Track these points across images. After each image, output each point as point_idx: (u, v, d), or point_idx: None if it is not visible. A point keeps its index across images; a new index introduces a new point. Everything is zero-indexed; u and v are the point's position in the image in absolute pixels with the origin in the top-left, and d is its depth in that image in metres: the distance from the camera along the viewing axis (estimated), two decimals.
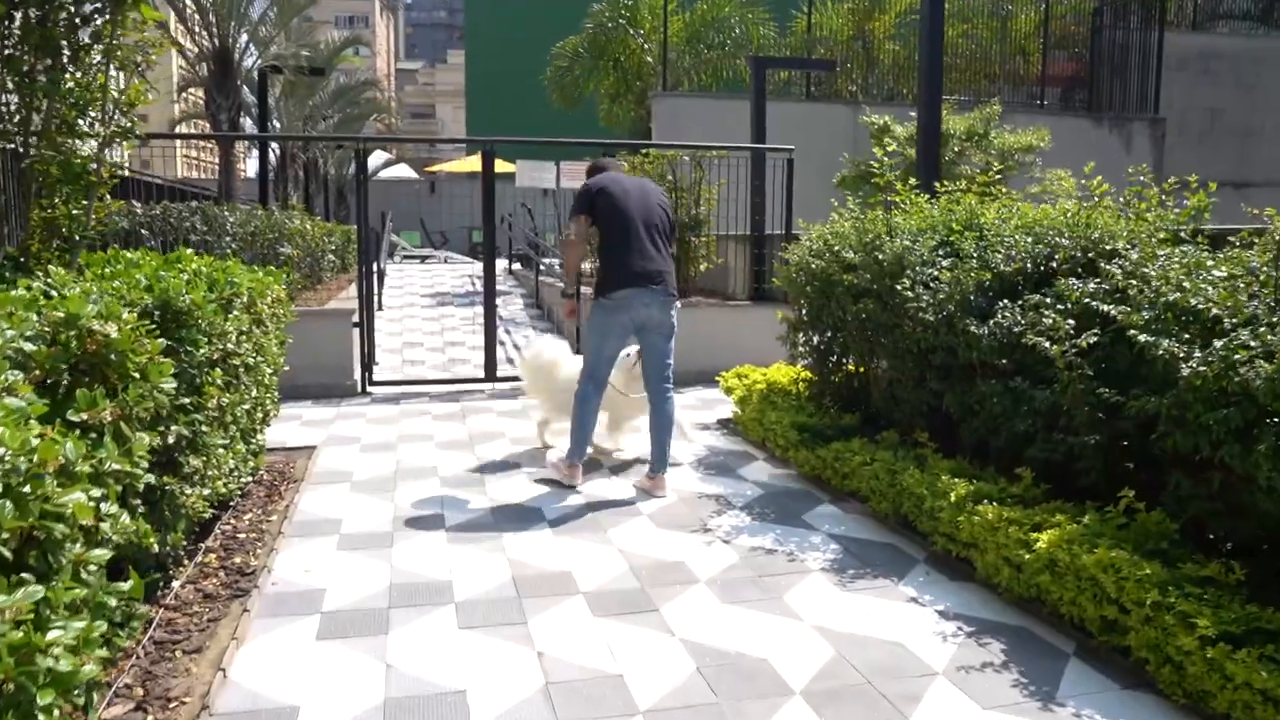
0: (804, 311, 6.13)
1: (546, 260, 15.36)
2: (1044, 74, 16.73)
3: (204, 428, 3.68)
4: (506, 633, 3.37)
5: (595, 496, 5.06)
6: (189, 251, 4.50)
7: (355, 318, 8.09)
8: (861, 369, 5.63)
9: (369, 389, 8.21)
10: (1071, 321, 3.72)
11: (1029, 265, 4.37)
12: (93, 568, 2.23)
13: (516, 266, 18.24)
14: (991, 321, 4.17)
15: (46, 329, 2.37)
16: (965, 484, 3.91)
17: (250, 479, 5.00)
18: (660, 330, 5.23)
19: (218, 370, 3.75)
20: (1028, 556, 3.35)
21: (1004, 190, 6.47)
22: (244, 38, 11.26)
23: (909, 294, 4.55)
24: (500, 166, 12.36)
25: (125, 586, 2.44)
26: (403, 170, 31.33)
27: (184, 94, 16.12)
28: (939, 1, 7.07)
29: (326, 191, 21.70)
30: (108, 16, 3.57)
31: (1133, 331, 3.41)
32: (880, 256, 4.81)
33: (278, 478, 5.42)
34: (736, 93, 16.87)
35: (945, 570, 3.94)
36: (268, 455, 5.82)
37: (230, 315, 3.83)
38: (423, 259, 22.50)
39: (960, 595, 3.68)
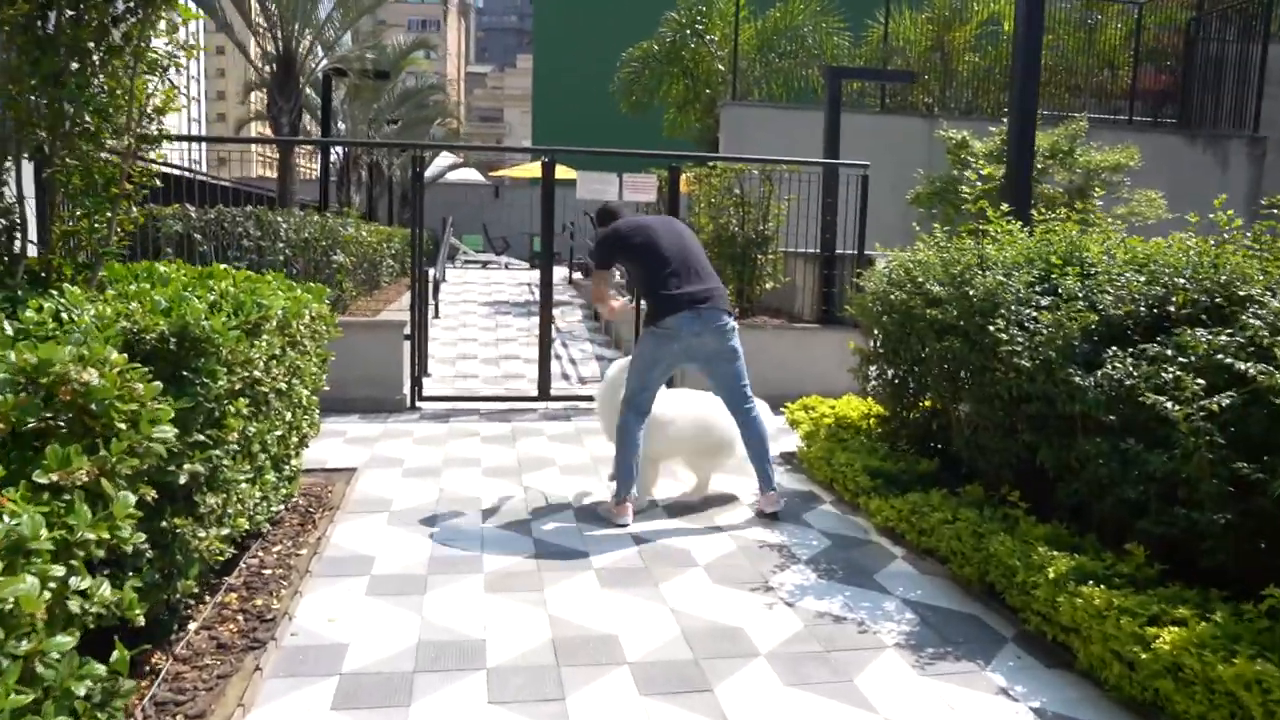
0: (879, 344, 5.69)
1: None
2: (1134, 87, 15.94)
3: (225, 462, 3.39)
4: (541, 711, 3.00)
5: (650, 540, 4.68)
6: (222, 267, 4.23)
7: (406, 330, 7.83)
8: (940, 409, 5.17)
9: (418, 404, 7.94)
10: (1201, 382, 3.23)
11: (1142, 309, 3.88)
12: (55, 655, 1.92)
13: (577, 276, 17.95)
14: (1099, 372, 3.70)
15: (19, 376, 2.07)
16: (1065, 558, 3.44)
17: (283, 507, 4.72)
18: (721, 356, 5.02)
19: (241, 400, 3.45)
20: (1144, 655, 2.88)
21: (1100, 216, 5.93)
22: (307, 40, 11.13)
23: (1002, 335, 4.09)
24: (562, 173, 12.09)
25: (101, 670, 2.12)
26: (468, 173, 31.35)
27: (250, 95, 16.11)
28: (1036, 6, 6.53)
29: (391, 194, 21.66)
30: (139, 16, 3.29)
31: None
32: (970, 292, 4.35)
33: (314, 503, 5.14)
34: (806, 103, 16.38)
35: (1039, 654, 3.48)
36: (306, 477, 5.57)
37: (257, 342, 3.53)
38: (484, 264, 22.37)
39: (1059, 689, 3.22)
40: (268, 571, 4.07)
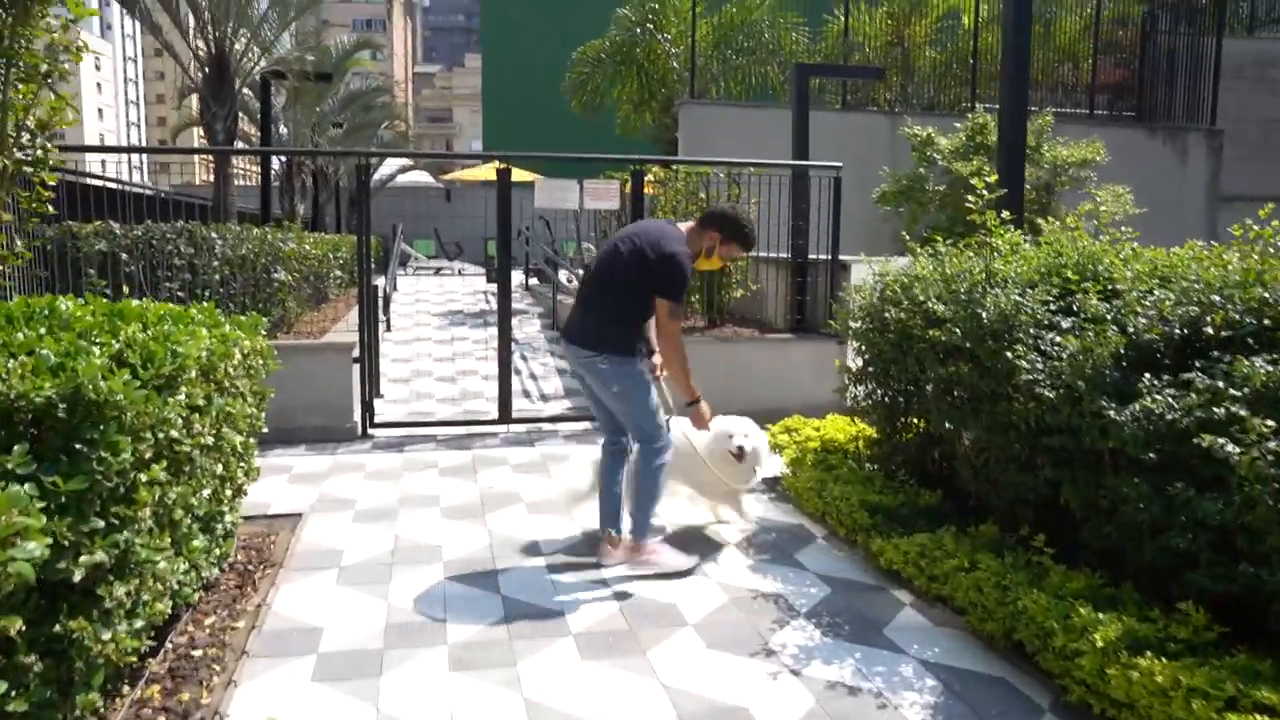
0: (869, 362, 5.28)
1: (565, 276, 14.53)
2: (1094, 82, 15.79)
3: (137, 542, 2.86)
4: None
5: (631, 595, 4.21)
6: (135, 304, 3.69)
7: (355, 352, 7.28)
8: (942, 436, 4.77)
9: (370, 431, 7.40)
10: (1271, 423, 2.84)
11: (1177, 331, 3.50)
12: None
13: (534, 282, 17.42)
14: (1137, 405, 3.30)
15: None
16: (1112, 621, 3.04)
17: (217, 570, 4.17)
18: (602, 393, 4.49)
19: (156, 467, 2.93)
20: None
21: (1075, 217, 5.56)
22: (242, 41, 10.47)
23: (1022, 363, 3.68)
24: (518, 175, 11.58)
25: None
26: (419, 176, 30.61)
27: (187, 99, 15.32)
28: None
29: (338, 200, 20.92)
30: (12, 13, 2.74)
31: None
32: (981, 313, 3.94)
33: (254, 559, 4.60)
34: (767, 101, 16.04)
35: None
36: (246, 525, 5.03)
37: (172, 398, 3.00)
38: (436, 270, 21.74)
39: None
40: (198, 653, 3.54)
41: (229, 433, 3.99)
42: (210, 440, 3.57)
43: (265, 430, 4.70)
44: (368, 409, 7.39)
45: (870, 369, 5.29)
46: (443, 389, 9.24)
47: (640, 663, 3.53)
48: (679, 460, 4.68)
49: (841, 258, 8.30)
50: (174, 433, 3.06)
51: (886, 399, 5.23)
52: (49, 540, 2.05)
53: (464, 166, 24.32)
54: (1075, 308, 3.96)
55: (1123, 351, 3.48)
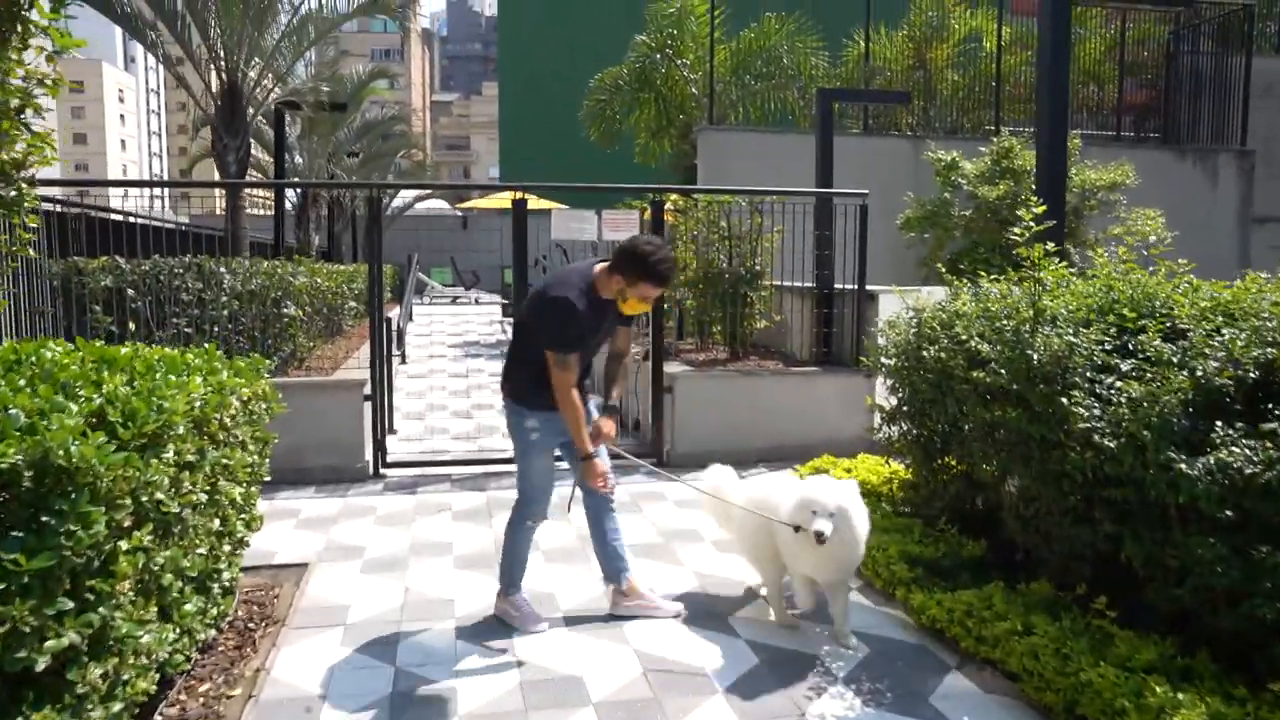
0: (904, 401, 5.00)
1: None
2: (1120, 103, 15.52)
3: (116, 616, 2.61)
4: None
5: (656, 655, 3.92)
6: (125, 350, 3.46)
7: (367, 389, 7.06)
8: (986, 482, 4.47)
9: (383, 471, 7.15)
10: None
11: (1252, 374, 3.21)
12: None
13: None
14: (1211, 458, 3.01)
15: None
16: (1195, 703, 2.73)
17: (214, 631, 3.92)
18: None
19: (139, 533, 2.68)
20: None
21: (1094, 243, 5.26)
22: (254, 71, 10.35)
23: (1079, 410, 3.40)
24: (535, 203, 11.39)
25: None
26: (436, 204, 30.59)
27: (203, 130, 15.25)
28: (1062, 9, 5.88)
29: (355, 230, 20.84)
30: None
31: None
32: (1032, 354, 3.65)
33: (255, 615, 4.35)
34: (786, 126, 15.83)
35: None
36: (248, 576, 4.80)
37: (157, 460, 2.76)
38: (453, 299, 21.60)
39: None
40: None
41: (227, 485, 3.75)
42: (203, 497, 3.33)
43: (269, 478, 4.46)
44: (380, 448, 7.16)
45: (905, 408, 5.01)
46: (458, 424, 9.00)
47: None
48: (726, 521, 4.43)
49: (869, 287, 8.02)
50: (160, 495, 2.81)
51: (923, 440, 4.94)
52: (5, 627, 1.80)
53: (481, 194, 24.24)
54: (1132, 347, 3.68)
55: (1190, 397, 3.19)
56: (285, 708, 3.46)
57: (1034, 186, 11.19)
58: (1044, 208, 4.16)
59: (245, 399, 4.07)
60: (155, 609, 2.95)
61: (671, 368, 7.86)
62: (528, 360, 4.06)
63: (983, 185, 11.63)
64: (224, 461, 3.66)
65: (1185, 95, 16.23)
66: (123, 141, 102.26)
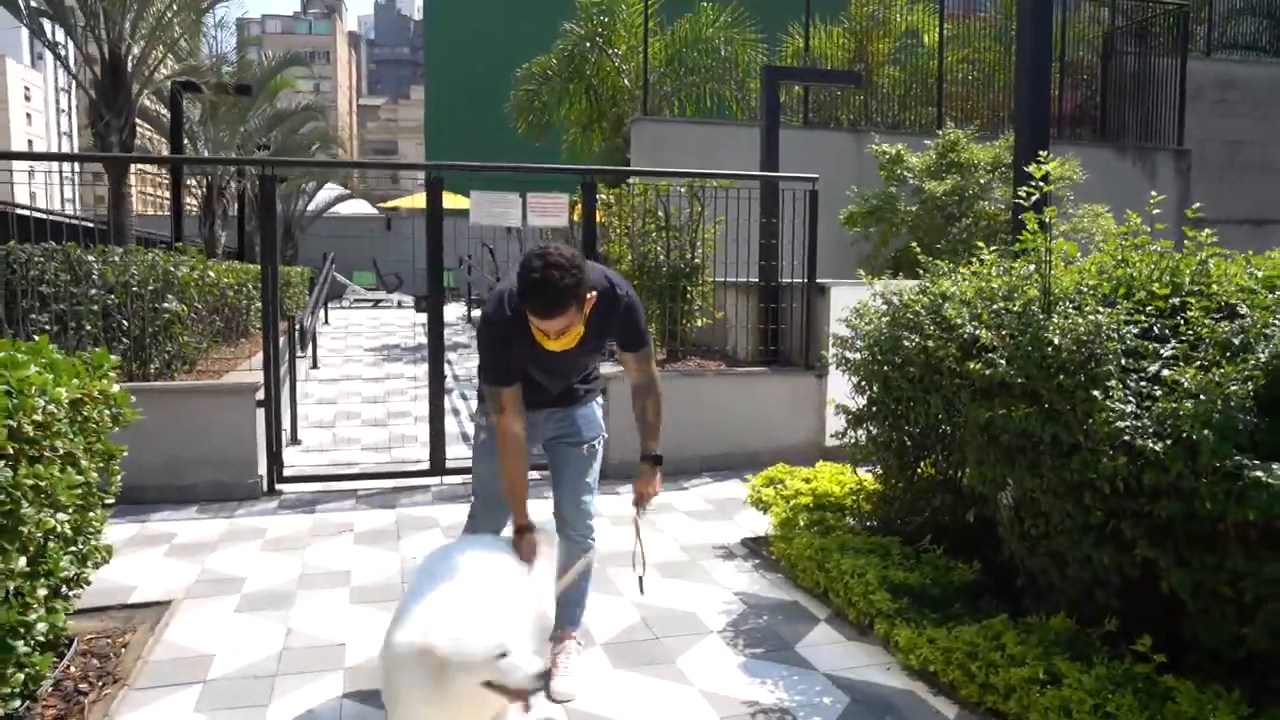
0: (875, 402, 4.34)
1: None
2: (1061, 101, 15.30)
3: None
4: None
5: (589, 714, 3.18)
6: None
7: (260, 395, 6.18)
8: (982, 495, 3.83)
9: (278, 486, 6.28)
10: None
11: None
12: None
13: (476, 314, 16.35)
14: None
15: None
16: None
17: (18, 701, 3.06)
18: None
19: None
20: None
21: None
22: (140, 44, 9.30)
23: (1114, 406, 2.75)
24: (455, 202, 10.57)
25: None
26: (358, 205, 29.45)
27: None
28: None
29: (265, 255, 19.65)
30: None
31: None
32: (1050, 337, 2.99)
33: (91, 672, 3.49)
34: (724, 119, 15.25)
35: None
36: (94, 621, 3.93)
37: None
38: (375, 303, 20.55)
39: None
40: None
41: (37, 513, 2.90)
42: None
43: (111, 501, 3.60)
44: (275, 461, 6.28)
45: (876, 409, 4.35)
46: (370, 434, 8.14)
47: None
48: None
49: (819, 280, 7.40)
50: None
51: (897, 446, 4.29)
52: None
53: (404, 193, 23.23)
54: (1157, 330, 3.06)
55: (1260, 387, 2.57)
56: None
57: (977, 180, 10.78)
58: (1055, 164, 3.53)
59: (72, 402, 3.23)
60: None
61: (605, 368, 7.12)
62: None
63: (929, 179, 11.17)
64: (39, 484, 2.82)
65: (1123, 95, 16.15)
66: (30, 141, 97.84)
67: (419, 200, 20.24)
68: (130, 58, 9.28)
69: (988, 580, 3.77)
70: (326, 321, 15.00)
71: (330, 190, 28.10)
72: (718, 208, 7.87)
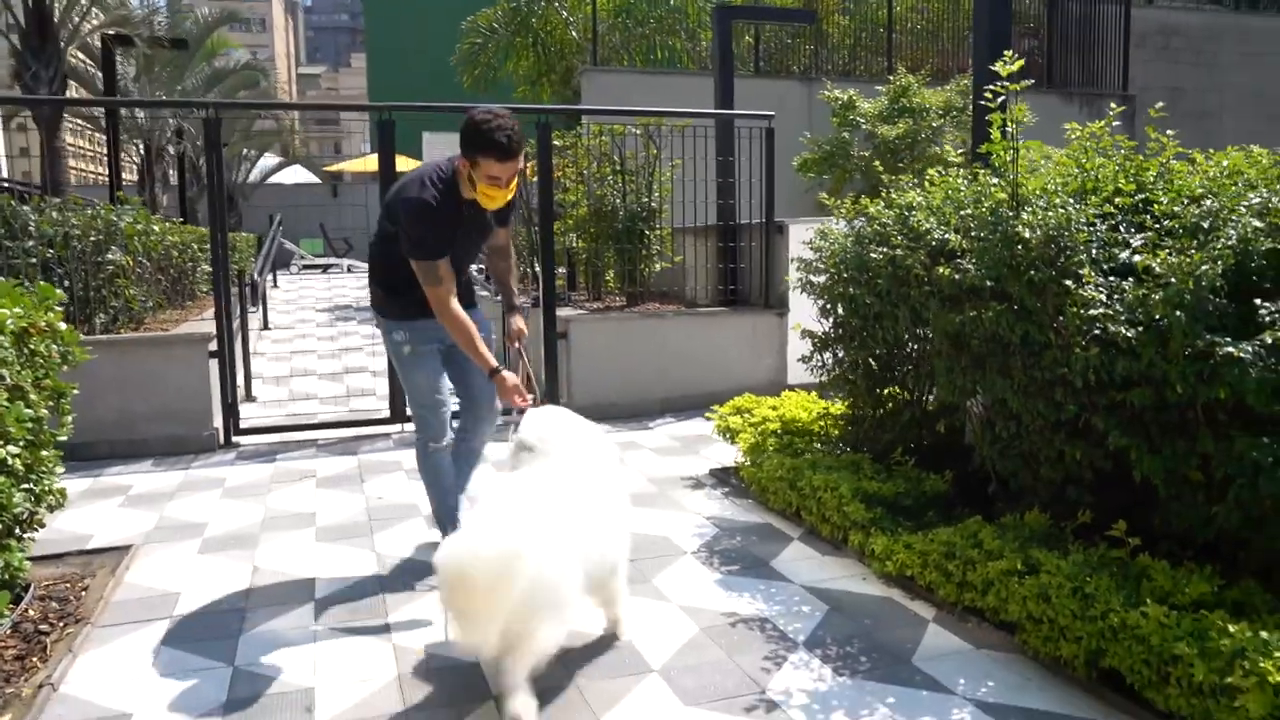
0: (841, 324, 4.34)
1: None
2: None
3: None
4: None
5: (576, 630, 3.15)
6: None
7: (213, 345, 6.01)
8: (951, 404, 3.85)
9: (235, 439, 6.14)
10: None
11: None
12: None
13: None
14: (1266, 338, 2.41)
15: None
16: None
17: None
18: None
19: None
20: None
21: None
22: None
23: (1088, 292, 2.76)
24: (404, 164, 10.36)
25: None
26: (300, 174, 28.80)
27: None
28: None
29: (212, 194, 19.14)
30: None
31: None
32: (1024, 233, 2.99)
33: (51, 614, 3.38)
34: (675, 69, 15.13)
35: None
36: (49, 568, 3.81)
37: None
38: (324, 268, 20.16)
39: None
40: None
41: None
42: None
43: (63, 437, 3.47)
44: (231, 413, 6.13)
45: (843, 331, 4.35)
46: (327, 387, 8.00)
47: None
48: None
49: (779, 219, 7.38)
50: None
51: (864, 365, 4.30)
52: None
53: (349, 159, 22.74)
54: (1123, 227, 3.07)
55: (1230, 267, 2.58)
56: None
57: (929, 124, 10.80)
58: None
59: (17, 333, 3.10)
60: None
61: (565, 312, 7.06)
62: (385, 266, 3.54)
63: (881, 125, 11.17)
64: None
65: (1068, 43, 16.28)
66: None
67: (366, 163, 19.84)
68: (57, 4, 8.89)
69: (958, 491, 3.79)
70: (276, 285, 14.70)
71: (270, 159, 27.46)
72: (673, 152, 7.79)
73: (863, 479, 3.83)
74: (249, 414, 6.58)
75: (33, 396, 3.23)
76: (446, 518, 3.73)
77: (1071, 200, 3.05)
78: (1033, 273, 2.95)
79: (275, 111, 25.96)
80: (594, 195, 7.97)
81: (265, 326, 10.86)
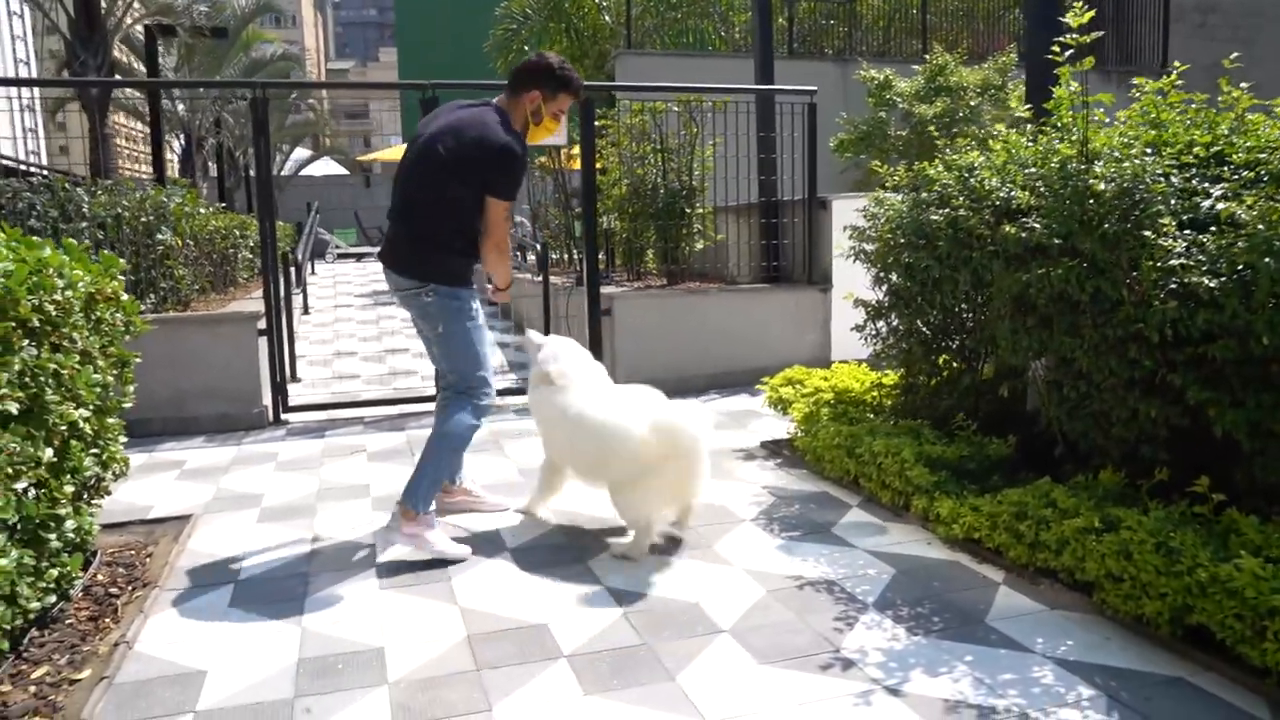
0: (895, 290, 4.28)
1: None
2: None
3: None
4: None
5: (635, 594, 3.14)
6: None
7: (262, 323, 6.06)
8: (1014, 368, 3.79)
9: (284, 416, 6.18)
10: None
11: None
12: None
13: None
14: None
15: None
16: None
17: (55, 598, 2.98)
18: (419, 328, 3.77)
19: None
20: None
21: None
22: None
23: (1166, 244, 2.70)
24: None
25: None
26: (330, 166, 29.06)
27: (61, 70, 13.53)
28: None
29: (248, 187, 19.31)
30: None
31: None
32: (1091, 187, 2.92)
33: (119, 579, 3.42)
34: (708, 52, 15.06)
35: None
36: (114, 535, 3.85)
37: None
38: (359, 257, 20.30)
39: None
40: None
41: (60, 404, 2.80)
42: (14, 408, 2.40)
43: (127, 405, 3.50)
44: (280, 391, 6.18)
45: (900, 298, 4.29)
46: (369, 368, 8.04)
47: (671, 694, 2.46)
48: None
49: (821, 195, 7.31)
50: None
51: (920, 332, 4.25)
52: None
53: (382, 146, 22.86)
54: (1198, 180, 3.00)
55: None
56: (149, 691, 2.57)
57: (967, 103, 10.65)
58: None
59: (88, 293, 3.12)
60: None
61: (608, 290, 7.04)
62: (461, 230, 3.44)
63: (919, 103, 11.04)
64: (51, 366, 2.72)
65: (1104, 19, 16.03)
66: None
67: (398, 153, 19.92)
68: None
69: (1021, 456, 3.74)
70: (314, 272, 14.81)
71: (301, 152, 27.71)
72: (714, 130, 7.74)
73: (924, 444, 3.78)
74: (295, 393, 6.63)
75: (100, 363, 3.25)
76: (426, 499, 3.54)
77: (1149, 151, 2.98)
78: (1106, 226, 2.89)
79: (308, 105, 26.14)
80: (634, 174, 7.94)
81: (306, 311, 10.94)
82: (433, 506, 3.56)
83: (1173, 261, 2.66)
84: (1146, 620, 2.61)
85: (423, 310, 3.53)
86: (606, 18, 14.66)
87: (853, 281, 4.81)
